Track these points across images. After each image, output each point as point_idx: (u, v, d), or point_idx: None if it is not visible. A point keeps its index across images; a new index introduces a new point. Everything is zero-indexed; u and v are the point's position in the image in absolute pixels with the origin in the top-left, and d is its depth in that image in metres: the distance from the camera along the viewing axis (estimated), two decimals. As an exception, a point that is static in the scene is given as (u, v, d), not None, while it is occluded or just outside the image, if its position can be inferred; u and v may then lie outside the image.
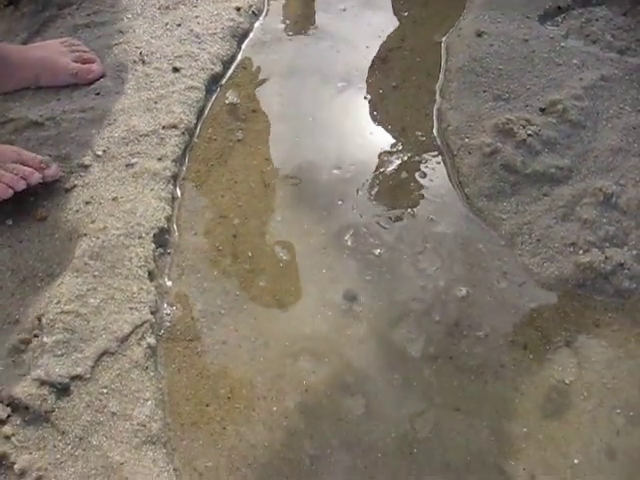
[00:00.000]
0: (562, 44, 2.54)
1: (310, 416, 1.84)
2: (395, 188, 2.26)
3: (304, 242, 2.14)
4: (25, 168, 2.02)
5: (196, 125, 2.38)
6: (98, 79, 2.40)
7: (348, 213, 2.19)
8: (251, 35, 2.71)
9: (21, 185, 2.01)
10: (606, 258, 2.01)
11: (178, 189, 2.24)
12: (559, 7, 2.66)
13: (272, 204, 2.21)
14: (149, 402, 1.79)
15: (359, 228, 2.16)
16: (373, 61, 2.60)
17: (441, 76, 2.54)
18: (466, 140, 2.26)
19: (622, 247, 2.05)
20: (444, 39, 2.66)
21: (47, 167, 2.08)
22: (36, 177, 2.04)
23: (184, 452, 1.79)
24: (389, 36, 2.71)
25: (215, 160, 2.31)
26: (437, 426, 1.82)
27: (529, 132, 2.23)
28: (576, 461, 1.77)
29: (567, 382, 1.89)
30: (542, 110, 2.31)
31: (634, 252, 2.06)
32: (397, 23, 2.77)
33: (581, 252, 2.04)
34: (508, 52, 2.48)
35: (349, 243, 2.13)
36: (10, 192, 2.00)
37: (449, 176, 2.29)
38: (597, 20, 2.63)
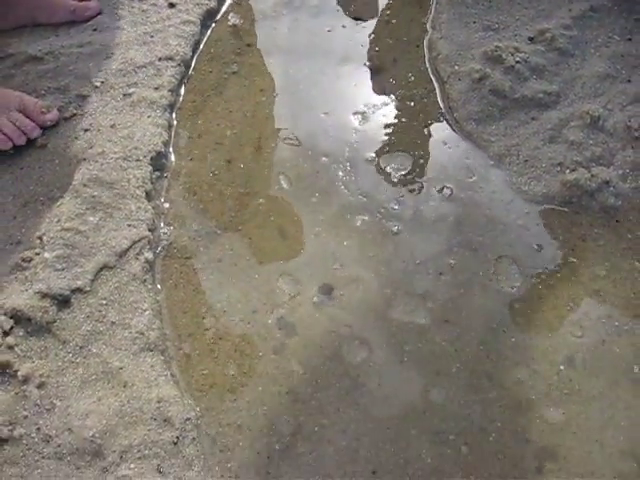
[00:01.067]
0: (552, -24, 2.56)
1: (302, 327, 1.89)
2: (389, 114, 2.30)
3: (298, 167, 2.20)
4: (27, 122, 2.13)
5: (192, 58, 2.41)
6: (95, 16, 2.43)
7: (343, 143, 2.23)
8: (246, -29, 2.72)
9: (21, 141, 2.13)
10: (592, 176, 2.06)
11: (175, 117, 2.27)
12: (551, -57, 2.69)
13: (265, 132, 2.25)
14: (147, 312, 1.85)
15: (351, 156, 2.21)
16: None
17: (432, 8, 2.56)
18: (456, 67, 2.32)
19: (608, 167, 2.11)
20: (435, -25, 2.68)
21: (48, 112, 2.12)
22: (36, 132, 2.15)
23: (181, 360, 1.86)
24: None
25: (211, 91, 2.36)
26: (427, 337, 1.88)
27: (517, 59, 2.28)
28: (562, 367, 1.82)
29: (554, 294, 1.93)
30: (531, 39, 2.36)
31: (620, 171, 2.11)
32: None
33: (568, 171, 2.09)
34: (498, -16, 2.51)
35: (342, 170, 2.17)
36: (9, 145, 2.08)
37: (440, 102, 2.31)
38: (587, -46, 2.66)
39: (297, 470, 1.72)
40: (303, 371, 1.85)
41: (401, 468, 1.69)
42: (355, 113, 2.30)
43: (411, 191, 2.14)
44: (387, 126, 2.26)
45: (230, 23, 2.55)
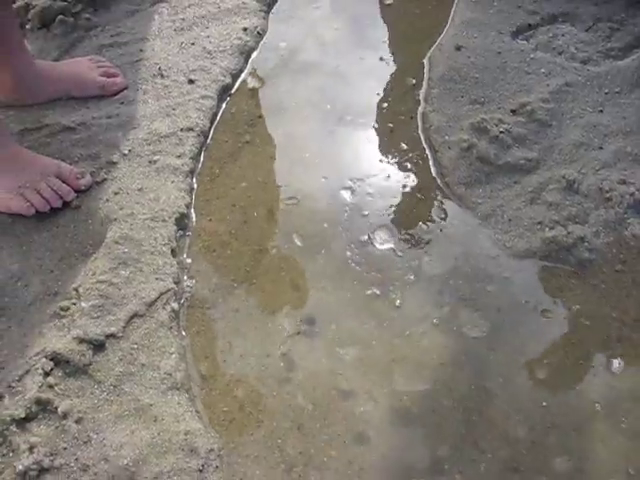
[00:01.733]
0: (531, 56, 2.89)
1: (308, 370, 2.18)
2: (384, 179, 2.60)
3: (306, 227, 2.50)
4: (64, 187, 2.40)
5: (210, 129, 2.70)
6: (122, 91, 2.73)
7: (348, 201, 2.56)
8: (256, 52, 3.04)
9: (58, 203, 2.41)
10: (568, 233, 2.34)
11: (195, 182, 2.56)
12: (529, 24, 3.03)
13: (278, 196, 2.53)
14: (174, 355, 2.10)
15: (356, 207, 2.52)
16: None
17: (425, 85, 2.88)
18: (446, 137, 2.61)
19: (583, 224, 2.39)
20: (428, 53, 3.01)
21: (82, 177, 2.42)
22: (72, 195, 2.44)
23: (204, 399, 2.10)
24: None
25: (227, 158, 2.65)
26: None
27: (501, 129, 2.58)
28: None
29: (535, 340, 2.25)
30: (513, 111, 2.66)
31: (593, 229, 2.39)
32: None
33: (547, 229, 2.37)
34: (483, 63, 2.84)
35: (348, 224, 2.48)
36: (47, 207, 2.40)
37: (431, 168, 2.61)
38: (563, 35, 3.00)
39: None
40: (312, 407, 2.06)
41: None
42: (352, 179, 2.58)
43: (405, 249, 2.40)
44: (383, 191, 2.53)
45: (243, 97, 2.83)
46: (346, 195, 2.55)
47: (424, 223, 2.46)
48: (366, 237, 2.42)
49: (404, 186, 2.58)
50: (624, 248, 2.37)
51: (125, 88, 2.74)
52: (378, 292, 2.31)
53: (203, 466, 1.89)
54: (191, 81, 2.73)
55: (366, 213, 2.49)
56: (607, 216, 2.39)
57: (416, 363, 2.16)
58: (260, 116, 2.76)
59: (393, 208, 2.53)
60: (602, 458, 2.00)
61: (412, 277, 2.34)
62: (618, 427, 2.08)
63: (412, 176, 2.58)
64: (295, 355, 2.20)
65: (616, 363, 2.18)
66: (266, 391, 2.09)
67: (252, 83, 2.89)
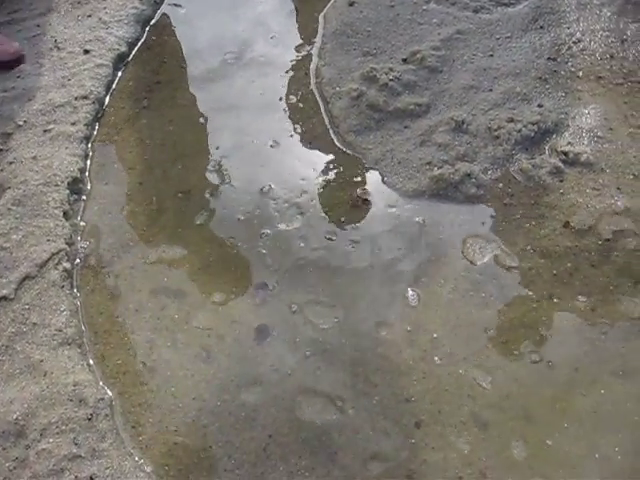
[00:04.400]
0: (424, 7, 2.94)
1: (202, 321, 2.22)
2: (280, 133, 2.67)
3: (202, 183, 2.53)
4: None
5: (105, 96, 2.72)
6: (19, 59, 2.74)
7: (245, 155, 2.60)
8: (153, 20, 3.06)
9: None
10: (455, 170, 2.38)
11: (90, 148, 2.57)
12: (419, -22, 3.07)
13: (175, 155, 2.56)
14: (65, 312, 2.12)
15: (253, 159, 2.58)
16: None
17: (318, 41, 2.91)
18: (337, 88, 2.65)
19: (471, 162, 2.43)
20: (323, 11, 3.04)
21: None
22: None
23: (97, 352, 2.11)
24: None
25: (124, 124, 2.67)
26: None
27: (391, 77, 2.62)
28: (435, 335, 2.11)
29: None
30: (404, 60, 2.71)
31: (481, 166, 2.44)
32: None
33: (435, 168, 2.41)
34: (376, 16, 2.88)
35: (243, 177, 2.55)
36: None
37: (324, 119, 2.65)
38: (455, -14, 3.04)
39: (202, 440, 1.99)
40: (206, 355, 2.09)
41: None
42: (249, 133, 2.63)
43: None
44: (279, 144, 2.61)
45: (140, 64, 2.83)
46: (243, 150, 2.58)
47: (316, 171, 2.47)
48: (264, 187, 2.43)
49: (299, 139, 2.63)
50: (512, 183, 2.41)
51: (22, 58, 2.70)
52: (269, 232, 2.32)
53: (92, 415, 1.91)
54: (86, 51, 2.75)
55: (262, 165, 2.51)
56: (495, 153, 2.43)
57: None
58: (158, 82, 2.77)
59: (288, 160, 2.57)
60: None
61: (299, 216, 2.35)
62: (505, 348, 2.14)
63: (306, 128, 2.59)
64: (188, 306, 2.23)
65: (504, 293, 2.22)
66: (161, 342, 2.09)
67: (149, 51, 2.86)
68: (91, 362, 2.07)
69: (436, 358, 2.07)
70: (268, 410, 2.01)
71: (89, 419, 1.89)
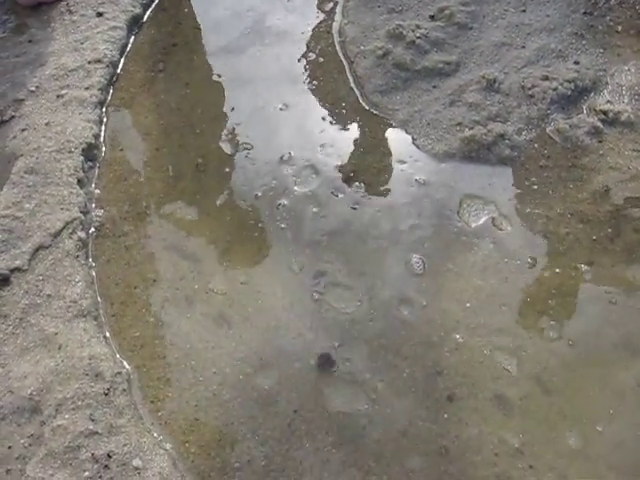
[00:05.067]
0: (451, -39, 2.77)
1: (226, 303, 2.12)
2: (303, 94, 2.55)
3: (220, 149, 2.41)
4: None
5: (119, 60, 2.60)
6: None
7: (267, 120, 2.48)
8: (169, -19, 2.93)
9: None
10: (488, 131, 2.25)
11: (105, 113, 2.46)
12: None
13: (192, 120, 2.44)
14: (80, 283, 2.02)
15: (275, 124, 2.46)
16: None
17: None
18: (361, 47, 2.51)
19: (504, 123, 2.29)
20: (346, -31, 2.89)
21: None
22: None
23: (114, 325, 2.02)
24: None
25: (139, 88, 2.55)
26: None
27: (418, 35, 2.48)
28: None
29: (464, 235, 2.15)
30: (431, 17, 2.56)
31: (515, 126, 2.30)
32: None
33: (466, 129, 2.27)
34: (401, -29, 2.73)
35: (265, 143, 2.43)
36: None
37: (349, 79, 2.51)
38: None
39: (224, 416, 1.90)
40: (227, 326, 1.98)
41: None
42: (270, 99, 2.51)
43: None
44: (302, 108, 2.49)
45: (156, 26, 2.71)
46: (265, 114, 2.47)
47: (342, 134, 2.35)
48: (285, 155, 2.30)
49: (321, 100, 2.49)
50: (548, 144, 2.28)
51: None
52: (286, 203, 2.22)
53: (109, 389, 1.83)
54: (100, 14, 2.64)
55: (283, 129, 2.40)
56: (529, 113, 2.30)
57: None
58: (174, 44, 2.64)
59: (312, 123, 2.45)
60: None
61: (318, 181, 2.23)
62: (540, 319, 2.03)
63: (330, 89, 2.46)
64: (208, 276, 2.15)
65: (539, 260, 2.11)
66: (179, 313, 1.99)
67: (164, 12, 2.74)
68: (107, 335, 1.97)
69: (469, 329, 1.91)
70: (293, 384, 1.88)
71: (106, 394, 1.81)
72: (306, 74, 2.52)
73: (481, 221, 2.12)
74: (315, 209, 2.18)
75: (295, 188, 2.22)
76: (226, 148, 2.33)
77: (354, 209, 2.15)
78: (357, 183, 2.22)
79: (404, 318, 1.96)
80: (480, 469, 1.74)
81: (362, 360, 1.91)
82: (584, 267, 2.04)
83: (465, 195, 2.19)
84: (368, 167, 2.28)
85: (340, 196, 2.19)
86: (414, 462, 1.77)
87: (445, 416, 1.83)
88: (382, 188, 2.20)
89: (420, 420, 1.82)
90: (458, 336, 1.92)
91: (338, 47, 2.58)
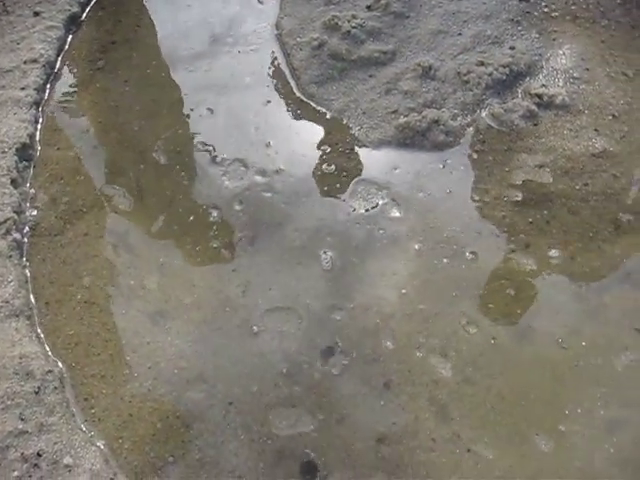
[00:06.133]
0: (388, -50, 2.77)
1: (162, 299, 2.10)
2: (241, 88, 2.56)
3: (158, 146, 2.41)
4: None
5: (57, 59, 2.57)
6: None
7: (206, 115, 2.46)
8: (107, -21, 2.91)
9: None
10: (422, 118, 2.24)
11: (41, 113, 2.44)
12: None
13: (131, 117, 2.42)
14: (12, 283, 2.00)
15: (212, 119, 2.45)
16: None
17: (281, -8, 2.76)
18: (297, 39, 2.51)
19: (439, 109, 2.29)
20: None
21: None
22: None
23: (48, 324, 2.00)
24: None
25: (77, 86, 2.53)
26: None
27: (353, 25, 2.47)
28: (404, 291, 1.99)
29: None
30: (368, 7, 2.56)
31: (450, 112, 2.29)
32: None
33: (401, 117, 2.26)
34: (338, -37, 2.72)
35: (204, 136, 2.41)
36: None
37: (285, 71, 2.50)
38: None
39: (159, 411, 1.90)
40: (163, 321, 1.97)
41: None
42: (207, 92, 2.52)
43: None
44: (238, 101, 2.50)
45: (94, 25, 2.69)
46: (203, 108, 2.48)
47: (277, 127, 2.38)
48: (220, 152, 2.37)
49: (259, 90, 2.51)
50: (484, 129, 2.27)
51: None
52: (218, 199, 2.25)
53: (39, 388, 1.80)
54: (36, 13, 2.62)
55: (221, 122, 2.44)
56: (465, 98, 2.30)
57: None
58: (113, 42, 2.62)
59: (249, 116, 2.46)
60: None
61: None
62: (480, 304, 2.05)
63: (267, 81, 2.45)
64: (144, 272, 2.15)
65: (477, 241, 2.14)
66: (116, 310, 1.97)
67: (103, 10, 2.72)
68: (41, 334, 1.93)
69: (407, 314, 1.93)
70: (228, 376, 1.88)
71: (36, 393, 1.79)
72: (244, 69, 2.48)
73: (414, 205, 2.11)
74: (244, 205, 2.14)
75: (227, 184, 2.18)
76: (165, 145, 2.29)
77: (286, 204, 2.13)
78: (289, 178, 2.19)
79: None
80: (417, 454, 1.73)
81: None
82: (521, 249, 2.01)
83: (398, 180, 2.17)
84: (300, 160, 2.24)
85: (268, 193, 2.16)
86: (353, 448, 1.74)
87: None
88: (315, 179, 2.17)
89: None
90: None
91: (275, 40, 2.54)
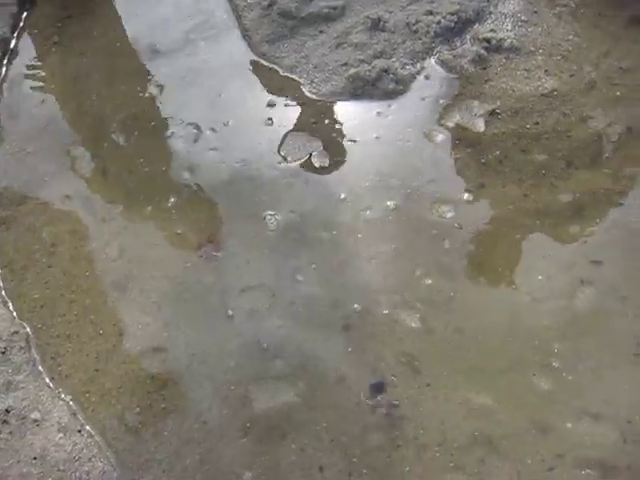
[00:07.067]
0: None
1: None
2: (191, 50, 2.61)
3: (116, 113, 2.46)
4: None
5: (12, 36, 2.60)
6: None
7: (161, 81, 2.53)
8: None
9: None
10: (372, 68, 2.27)
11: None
12: None
13: (87, 87, 2.46)
14: (-25, 253, 2.03)
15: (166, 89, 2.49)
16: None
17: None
18: (248, 0, 2.53)
19: (390, 59, 2.32)
20: None
21: None
22: None
23: (14, 289, 2.04)
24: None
25: (34, 60, 2.56)
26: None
27: (302, -18, 2.49)
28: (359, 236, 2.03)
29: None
30: (316, -35, 2.57)
31: (400, 62, 2.32)
32: None
33: (351, 68, 2.30)
34: None
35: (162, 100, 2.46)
36: None
37: (237, 32, 2.54)
38: None
39: (124, 364, 1.95)
40: (125, 281, 2.01)
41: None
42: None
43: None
44: (192, 61, 2.55)
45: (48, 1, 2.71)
46: (160, 74, 2.54)
47: (230, 88, 2.44)
48: (179, 115, 2.44)
49: (212, 52, 2.56)
50: (434, 76, 2.30)
51: None
52: (174, 165, 2.30)
53: (6, 348, 1.84)
54: (-11, -7, 2.60)
55: (178, 88, 2.51)
56: (414, 47, 2.34)
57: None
58: (69, 16, 2.65)
59: (204, 77, 2.51)
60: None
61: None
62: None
63: (220, 44, 2.50)
64: (107, 235, 2.20)
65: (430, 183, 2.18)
66: (79, 272, 2.01)
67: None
68: (7, 299, 1.96)
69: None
70: (191, 326, 1.97)
71: (3, 353, 1.82)
72: (197, 35, 2.51)
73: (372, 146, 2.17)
74: (196, 167, 2.25)
75: (182, 146, 2.26)
76: (122, 112, 2.32)
77: (237, 163, 2.18)
78: (237, 135, 2.25)
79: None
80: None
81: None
82: (475, 189, 2.09)
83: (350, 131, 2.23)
84: (249, 117, 2.31)
85: (218, 152, 2.24)
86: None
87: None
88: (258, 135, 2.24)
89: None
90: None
91: (227, 2, 2.57)
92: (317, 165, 2.17)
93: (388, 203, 2.11)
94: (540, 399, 1.75)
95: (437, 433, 1.73)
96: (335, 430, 1.76)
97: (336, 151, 2.22)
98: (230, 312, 1.97)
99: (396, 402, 1.78)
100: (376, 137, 2.24)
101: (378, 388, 1.79)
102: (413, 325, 1.87)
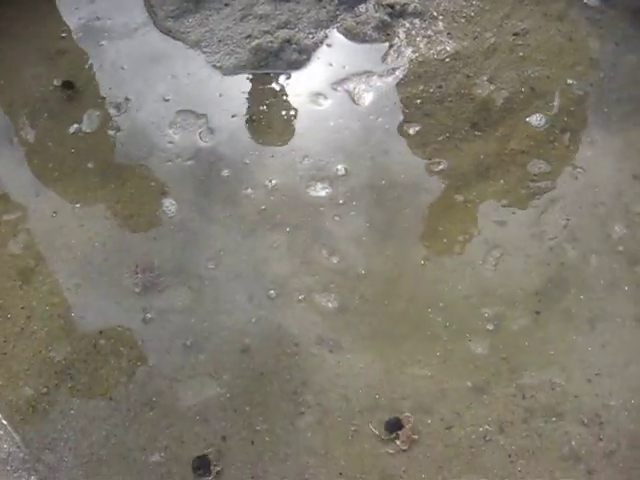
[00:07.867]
0: None
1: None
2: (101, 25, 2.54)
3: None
4: None
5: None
6: None
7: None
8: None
9: None
10: (274, 39, 2.27)
11: None
12: None
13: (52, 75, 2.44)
14: None
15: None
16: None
17: None
18: (153, -25, 2.51)
19: (294, 29, 2.32)
20: None
21: None
22: None
23: None
24: None
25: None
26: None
27: (205, -46, 2.47)
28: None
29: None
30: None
31: (305, 32, 2.32)
32: None
33: (255, 40, 2.29)
34: None
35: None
36: None
37: (143, 7, 2.52)
38: None
39: (32, 346, 1.97)
40: (35, 262, 2.01)
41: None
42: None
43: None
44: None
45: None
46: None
47: (138, 65, 2.43)
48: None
49: (118, 36, 2.53)
50: (338, 44, 2.30)
51: None
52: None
53: None
54: None
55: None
56: (319, 16, 2.34)
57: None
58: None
59: (110, 56, 2.48)
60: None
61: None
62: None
63: (125, 23, 2.50)
64: (17, 212, 2.19)
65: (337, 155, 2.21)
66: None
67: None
68: None
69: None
70: (100, 305, 2.02)
71: None
72: (104, 13, 2.49)
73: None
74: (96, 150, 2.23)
75: (94, 125, 2.27)
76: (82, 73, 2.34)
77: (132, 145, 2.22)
78: (137, 112, 2.26)
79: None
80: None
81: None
82: (382, 155, 2.19)
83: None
84: (152, 96, 2.32)
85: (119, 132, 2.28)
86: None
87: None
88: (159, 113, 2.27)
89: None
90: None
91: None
92: (205, 143, 2.12)
93: (267, 183, 2.12)
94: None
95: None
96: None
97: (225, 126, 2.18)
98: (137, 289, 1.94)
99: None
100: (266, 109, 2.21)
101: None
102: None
